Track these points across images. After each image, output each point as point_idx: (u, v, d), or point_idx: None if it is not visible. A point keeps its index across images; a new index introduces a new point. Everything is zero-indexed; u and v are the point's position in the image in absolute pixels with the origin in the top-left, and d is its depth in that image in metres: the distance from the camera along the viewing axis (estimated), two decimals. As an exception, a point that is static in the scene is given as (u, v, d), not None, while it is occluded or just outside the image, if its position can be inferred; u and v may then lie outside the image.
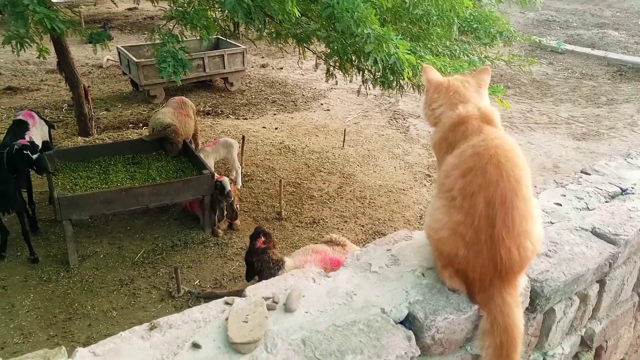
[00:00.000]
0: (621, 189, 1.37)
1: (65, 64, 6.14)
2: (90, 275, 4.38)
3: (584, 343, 1.30)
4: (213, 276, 4.48)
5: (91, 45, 4.79)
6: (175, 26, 4.47)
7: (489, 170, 0.94)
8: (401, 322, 0.94)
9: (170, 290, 4.26)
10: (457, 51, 4.81)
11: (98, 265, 4.52)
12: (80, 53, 9.86)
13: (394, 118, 8.47)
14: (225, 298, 0.98)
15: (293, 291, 0.96)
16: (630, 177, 1.43)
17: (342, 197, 5.89)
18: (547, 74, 10.92)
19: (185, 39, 4.71)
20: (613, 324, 1.33)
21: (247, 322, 0.88)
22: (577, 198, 1.32)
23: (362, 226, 5.36)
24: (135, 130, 7.19)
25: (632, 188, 1.37)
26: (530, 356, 1.19)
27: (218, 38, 8.80)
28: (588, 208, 1.28)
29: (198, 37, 4.77)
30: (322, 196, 5.88)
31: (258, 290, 1.00)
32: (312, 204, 5.71)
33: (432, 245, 1.03)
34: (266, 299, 0.96)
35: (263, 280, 1.02)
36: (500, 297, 0.94)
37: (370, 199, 5.89)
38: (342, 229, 5.29)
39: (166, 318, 0.93)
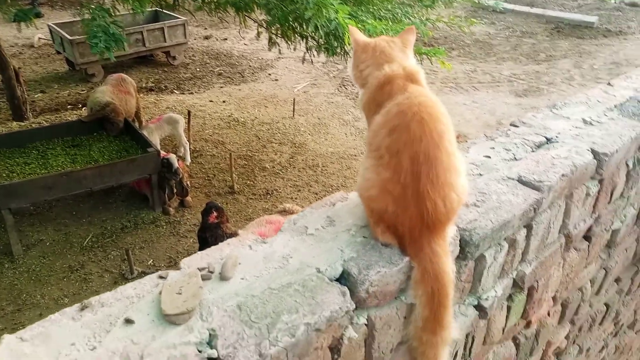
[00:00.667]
0: (546, 138, 1.43)
1: (-10, 45, 5.75)
2: (37, 264, 4.23)
3: (517, 285, 1.37)
4: (167, 255, 4.43)
5: (16, 24, 4.50)
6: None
7: (413, 127, 0.96)
8: (337, 280, 0.96)
9: (123, 272, 4.18)
10: (399, 14, 4.81)
11: (44, 253, 4.37)
12: (8, 32, 9.24)
13: (343, 85, 8.47)
14: (160, 272, 0.97)
15: (228, 259, 0.96)
16: (554, 126, 1.49)
17: (294, 167, 5.89)
18: (490, 33, 11.15)
19: (119, 13, 4.50)
20: (542, 265, 1.41)
21: (180, 293, 0.88)
22: (505, 150, 1.36)
23: (316, 194, 5.40)
24: (74, 112, 6.88)
25: (557, 137, 1.43)
26: (465, 301, 1.25)
27: (156, 10, 8.44)
28: (515, 158, 1.33)
29: (131, 11, 4.56)
30: (274, 167, 5.86)
31: (193, 261, 0.99)
32: (264, 175, 5.69)
33: (364, 204, 1.05)
34: (201, 269, 0.95)
35: (198, 252, 1.01)
36: (429, 247, 0.98)
37: (323, 166, 5.93)
38: (295, 198, 5.31)
39: (98, 297, 0.91)
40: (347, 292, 0.93)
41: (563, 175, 1.27)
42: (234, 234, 3.90)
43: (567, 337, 1.99)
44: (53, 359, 0.77)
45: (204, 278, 0.93)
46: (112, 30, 3.48)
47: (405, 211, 0.96)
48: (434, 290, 0.98)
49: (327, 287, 0.92)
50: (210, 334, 0.82)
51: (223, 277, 0.93)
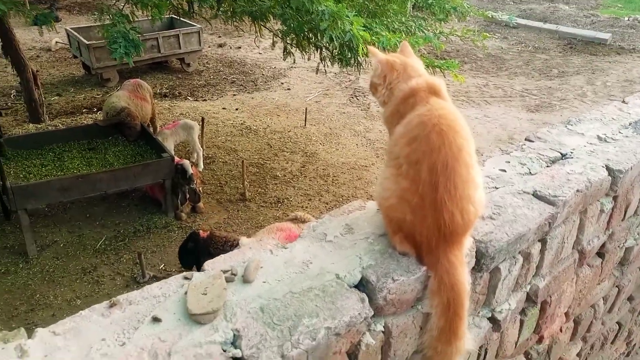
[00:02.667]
0: (561, 154, 1.45)
1: (10, 48, 5.86)
2: (51, 265, 4.29)
3: (530, 299, 1.39)
4: (178, 260, 4.46)
5: (37, 28, 4.59)
6: (126, 5, 4.34)
7: (432, 137, 0.99)
8: (355, 286, 0.99)
9: (135, 275, 4.22)
10: (413, 27, 4.86)
11: (58, 254, 4.42)
12: (27, 36, 9.42)
13: (355, 96, 8.52)
14: (184, 273, 1.00)
15: (250, 262, 0.99)
16: (569, 142, 1.51)
17: (305, 176, 5.93)
18: (502, 48, 11.17)
19: (137, 19, 4.58)
20: (556, 280, 1.43)
21: (206, 294, 0.91)
22: (521, 164, 1.39)
23: (326, 203, 5.43)
24: (90, 115, 6.98)
25: (571, 153, 1.45)
26: (479, 313, 1.27)
27: (172, 17, 8.57)
28: (530, 173, 1.35)
29: (150, 17, 4.63)
30: (285, 175, 5.90)
31: (216, 264, 1.02)
32: (275, 183, 5.73)
33: (383, 212, 1.08)
34: (224, 271, 0.98)
35: (222, 255, 1.04)
36: (446, 258, 1.00)
37: (334, 176, 5.95)
38: (306, 207, 5.34)
39: (126, 295, 0.94)
40: (366, 298, 0.95)
41: (578, 190, 1.29)
42: (233, 239, 3.95)
43: (578, 355, 1.99)
44: (85, 352, 0.80)
45: (227, 280, 0.96)
46: (132, 37, 3.55)
47: (422, 221, 0.99)
48: (450, 301, 1.00)
49: (346, 293, 0.94)
50: (234, 334, 0.85)
51: (246, 280, 0.96)
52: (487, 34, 5.29)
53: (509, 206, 1.23)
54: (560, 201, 1.24)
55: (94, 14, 4.76)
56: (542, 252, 1.30)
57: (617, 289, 1.91)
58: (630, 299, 2.10)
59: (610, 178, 1.39)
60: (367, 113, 7.85)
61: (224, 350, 0.82)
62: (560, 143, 1.50)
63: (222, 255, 1.04)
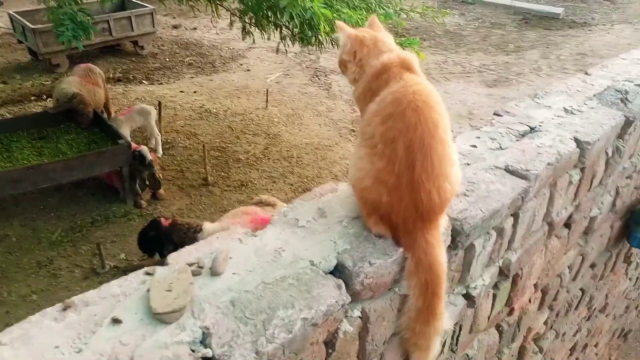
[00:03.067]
0: (530, 127, 1.44)
1: (-54, 33, 5.46)
2: (3, 261, 4.07)
3: (502, 273, 1.38)
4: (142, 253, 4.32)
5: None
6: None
7: (408, 114, 0.94)
8: (331, 272, 0.94)
9: (94, 267, 4.07)
10: (373, 4, 4.79)
11: (11, 248, 4.21)
12: (-35, 20, 8.82)
13: (316, 75, 8.42)
14: (146, 268, 0.93)
15: (219, 253, 0.92)
16: (537, 115, 1.50)
17: (269, 158, 5.84)
18: (460, 24, 11.25)
19: (85, 1, 4.33)
20: (527, 253, 1.43)
21: (170, 290, 0.84)
22: (491, 139, 1.36)
23: (291, 185, 5.37)
24: (39, 103, 6.63)
25: (540, 126, 1.44)
26: (454, 290, 1.25)
27: (121, -2, 8.20)
28: (501, 148, 1.33)
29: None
30: (248, 158, 5.79)
31: (181, 256, 0.95)
32: (239, 167, 5.62)
33: (357, 194, 1.03)
34: (190, 264, 0.91)
35: (187, 247, 0.97)
36: (423, 238, 0.96)
37: (297, 157, 5.89)
38: (271, 189, 5.27)
39: (81, 296, 0.86)
40: (343, 285, 0.91)
41: (549, 164, 1.27)
42: (196, 225, 3.86)
43: (545, 323, 2.03)
44: (37, 363, 0.73)
45: (194, 274, 0.89)
46: (80, 19, 3.34)
47: (399, 201, 0.95)
48: (428, 281, 0.97)
49: (322, 281, 0.90)
50: (203, 332, 0.79)
51: (214, 273, 0.90)
52: (447, 11, 5.28)
53: (482, 182, 1.20)
54: (532, 175, 1.22)
55: (38, -5, 4.48)
56: (514, 226, 1.29)
57: (581, 257, 1.94)
58: (592, 265, 2.15)
59: (579, 150, 1.39)
60: (329, 93, 7.78)
61: (193, 351, 0.76)
62: (529, 116, 1.48)
63: (187, 247, 0.97)
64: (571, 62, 9.03)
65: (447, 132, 0.99)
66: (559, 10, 11.52)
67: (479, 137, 1.38)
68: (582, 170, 1.49)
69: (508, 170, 1.25)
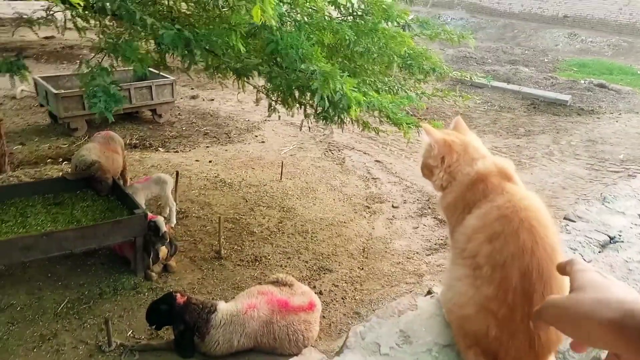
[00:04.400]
0: (609, 236, 1.35)
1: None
2: (5, 332, 3.86)
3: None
4: (148, 325, 4.11)
5: (8, 77, 4.36)
6: (105, 58, 4.19)
7: (522, 236, 0.85)
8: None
9: (99, 344, 3.85)
10: (396, 87, 4.89)
11: (14, 319, 4.01)
12: (-11, 83, 9.07)
13: (329, 150, 8.50)
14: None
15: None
16: (613, 223, 1.42)
17: (283, 232, 5.73)
18: (469, 107, 11.51)
19: (115, 69, 4.43)
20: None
21: None
22: (572, 249, 1.28)
23: (306, 262, 5.22)
24: (55, 166, 6.65)
25: (619, 236, 1.35)
26: None
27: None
28: (585, 260, 1.23)
29: (126, 68, 4.46)
30: (262, 232, 5.69)
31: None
32: (252, 240, 5.50)
33: (455, 323, 0.92)
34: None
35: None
36: (534, 381, 0.84)
37: (312, 233, 5.78)
38: (285, 266, 5.12)
39: None
40: None
41: (641, 281, 1.17)
42: (210, 305, 3.70)
43: None
44: None
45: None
46: (113, 91, 3.38)
47: (512, 338, 0.83)
48: None
49: None
50: None
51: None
52: (469, 95, 5.38)
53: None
54: (626, 294, 1.12)
55: (63, 63, 4.58)
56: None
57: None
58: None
59: (665, 264, 1.29)
60: (342, 167, 7.81)
61: None
62: (604, 223, 1.40)
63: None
64: (582, 149, 9.12)
65: (562, 254, 0.89)
66: (566, 97, 11.83)
67: (555, 246, 1.29)
68: (664, 284, 1.39)
69: (598, 287, 1.14)
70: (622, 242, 1.31)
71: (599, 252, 1.27)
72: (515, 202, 0.90)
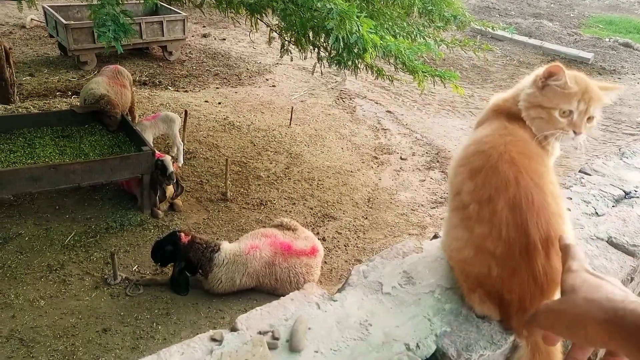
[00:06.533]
0: (625, 192, 1.30)
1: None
2: (14, 260, 3.94)
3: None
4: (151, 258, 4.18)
5: (13, 2, 4.24)
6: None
7: (503, 168, 0.81)
8: (427, 359, 0.79)
9: (105, 277, 3.92)
10: (414, 33, 4.70)
11: (22, 248, 4.08)
12: (0, 11, 8.88)
13: (341, 97, 8.35)
14: (211, 333, 0.78)
15: (298, 324, 0.78)
16: (630, 178, 1.36)
17: (289, 178, 5.71)
18: (488, 60, 11.16)
19: (125, 1, 4.29)
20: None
21: (246, 368, 0.70)
22: (584, 202, 1.22)
23: (311, 209, 5.22)
24: (64, 99, 6.58)
25: (636, 191, 1.30)
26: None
27: (156, 3, 8.22)
28: (597, 214, 1.19)
29: (137, 1, 4.30)
30: (269, 176, 5.67)
31: (251, 321, 0.81)
32: (258, 184, 5.49)
33: (456, 267, 0.89)
34: (263, 333, 0.77)
35: (257, 308, 0.83)
36: (544, 317, 0.81)
37: (319, 180, 5.76)
38: (290, 211, 5.13)
39: (138, 363, 0.72)
40: (446, 379, 0.76)
41: (656, 240, 1.13)
42: (214, 245, 3.73)
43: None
44: None
45: (269, 347, 0.75)
46: (122, 20, 3.26)
47: (514, 274, 0.80)
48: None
49: (421, 372, 0.75)
50: None
51: (293, 348, 0.75)
52: (489, 45, 5.18)
53: (585, 255, 1.05)
54: (640, 252, 1.08)
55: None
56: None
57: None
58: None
59: (682, 224, 1.24)
60: (353, 116, 7.68)
61: None
62: (621, 178, 1.34)
63: (258, 309, 0.83)
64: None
65: (556, 184, 0.84)
66: (589, 55, 11.43)
67: (570, 198, 1.24)
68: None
69: (612, 243, 1.10)
70: (638, 197, 1.25)
71: (613, 206, 1.22)
72: (495, 137, 0.86)
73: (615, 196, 1.27)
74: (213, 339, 0.77)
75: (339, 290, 0.90)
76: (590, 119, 0.92)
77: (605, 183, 1.32)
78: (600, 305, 0.67)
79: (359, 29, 3.24)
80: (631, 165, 1.44)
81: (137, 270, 4.05)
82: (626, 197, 1.28)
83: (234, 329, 0.79)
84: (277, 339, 0.77)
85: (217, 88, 7.98)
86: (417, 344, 0.79)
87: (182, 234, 3.65)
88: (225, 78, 8.42)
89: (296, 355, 0.75)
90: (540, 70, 0.93)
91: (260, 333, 0.77)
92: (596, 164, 1.42)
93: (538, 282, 0.80)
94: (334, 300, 0.87)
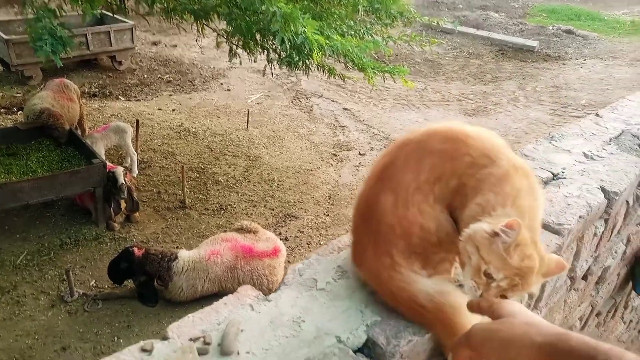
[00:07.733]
0: (552, 173, 1.35)
1: None
2: (-38, 286, 3.78)
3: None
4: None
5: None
6: (51, -2, 3.91)
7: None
8: (359, 349, 0.81)
9: (61, 294, 3.81)
10: (362, 31, 4.75)
11: (-30, 273, 3.92)
12: None
13: (297, 98, 8.35)
14: (142, 343, 0.78)
15: (229, 327, 0.78)
16: (558, 160, 1.42)
17: (249, 181, 5.68)
18: (438, 53, 11.40)
19: (64, 14, 4.16)
20: (550, 311, 1.33)
21: (174, 376, 0.70)
22: (515, 187, 1.26)
23: (272, 209, 5.21)
24: (9, 116, 6.34)
25: (563, 172, 1.36)
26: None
27: (102, 13, 8.00)
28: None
29: (80, 12, 4.16)
30: (228, 180, 5.62)
31: (183, 328, 0.80)
32: (218, 189, 5.44)
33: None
34: (195, 339, 0.77)
35: (189, 315, 0.83)
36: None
37: (279, 181, 5.75)
38: (251, 214, 5.10)
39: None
40: (376, 367, 0.78)
41: (580, 217, 1.18)
42: (169, 254, 3.69)
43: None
44: None
45: (200, 352, 0.75)
46: (60, 33, 3.16)
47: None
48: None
49: (352, 363, 0.77)
50: None
51: (225, 352, 0.76)
52: (435, 39, 5.29)
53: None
54: (565, 230, 1.13)
55: (14, 7, 4.27)
56: (543, 285, 1.19)
57: (591, 307, 1.86)
58: (598, 314, 2.07)
59: (606, 200, 1.31)
60: (310, 115, 7.70)
61: None
62: (549, 161, 1.40)
63: (190, 315, 0.82)
64: (547, 94, 9.21)
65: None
66: (534, 43, 11.82)
67: (501, 184, 1.28)
68: (606, 221, 1.41)
69: (539, 223, 1.15)
70: (564, 178, 1.31)
71: (541, 188, 1.27)
72: None
73: (544, 179, 1.33)
74: (143, 350, 0.76)
75: (275, 291, 0.91)
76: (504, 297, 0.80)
77: (535, 167, 1.37)
78: (539, 329, 0.66)
79: (304, 31, 3.25)
80: (559, 147, 1.50)
81: (94, 285, 3.95)
82: (554, 178, 1.34)
83: (164, 338, 0.79)
84: (208, 344, 0.77)
85: (171, 95, 7.85)
86: (348, 335, 0.81)
87: (135, 249, 3.59)
88: (178, 85, 8.29)
89: (227, 359, 0.76)
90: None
91: (191, 340, 0.77)
92: (527, 148, 1.47)
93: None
94: (269, 301, 0.88)
